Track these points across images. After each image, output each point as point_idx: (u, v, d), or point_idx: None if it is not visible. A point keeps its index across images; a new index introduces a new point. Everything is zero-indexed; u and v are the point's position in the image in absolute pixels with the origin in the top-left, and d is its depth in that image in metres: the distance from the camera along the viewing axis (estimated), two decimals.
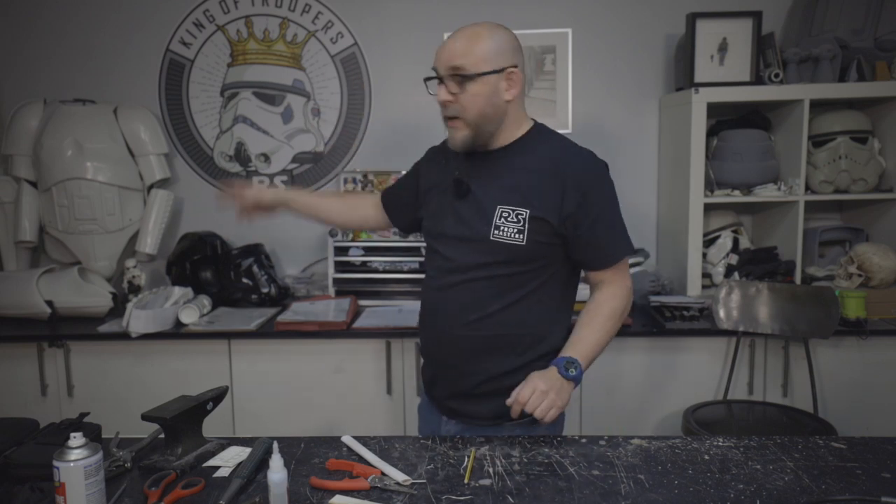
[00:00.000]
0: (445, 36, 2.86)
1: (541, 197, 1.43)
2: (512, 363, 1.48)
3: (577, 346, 1.47)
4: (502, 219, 1.44)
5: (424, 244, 1.66)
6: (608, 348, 2.40)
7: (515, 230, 1.43)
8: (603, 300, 1.52)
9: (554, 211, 1.43)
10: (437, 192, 1.56)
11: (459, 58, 1.40)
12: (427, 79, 1.49)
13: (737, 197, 2.69)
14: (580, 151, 1.50)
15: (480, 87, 1.41)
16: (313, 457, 1.35)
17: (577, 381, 1.43)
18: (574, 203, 1.43)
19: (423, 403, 1.68)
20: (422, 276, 1.66)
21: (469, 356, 1.50)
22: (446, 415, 1.57)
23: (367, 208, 1.78)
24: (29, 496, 1.18)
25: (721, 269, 2.76)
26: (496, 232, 1.44)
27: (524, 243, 1.43)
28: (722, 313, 2.41)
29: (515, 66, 1.44)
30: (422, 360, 1.71)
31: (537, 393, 1.37)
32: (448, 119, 1.46)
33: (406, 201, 1.68)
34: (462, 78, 1.40)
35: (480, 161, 1.49)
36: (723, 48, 2.62)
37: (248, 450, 1.36)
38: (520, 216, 1.43)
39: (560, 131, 2.97)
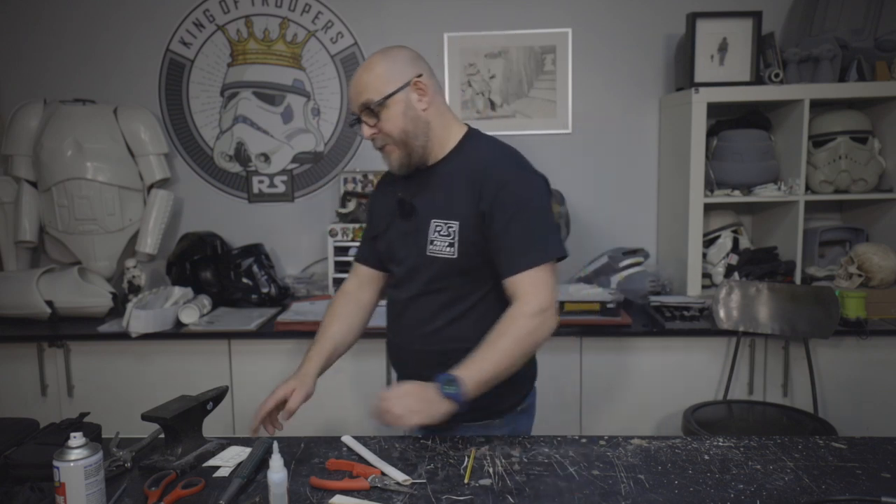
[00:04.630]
0: (446, 36, 2.92)
1: (465, 206, 1.44)
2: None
3: (471, 366, 1.35)
4: (436, 233, 1.46)
5: None
6: (608, 348, 2.43)
7: (447, 244, 1.45)
8: (514, 317, 1.39)
9: (477, 217, 1.43)
10: (386, 216, 1.58)
11: (363, 93, 1.44)
12: (351, 124, 1.54)
13: (737, 197, 2.69)
14: (504, 155, 1.49)
15: (393, 109, 1.44)
16: (313, 457, 1.35)
17: (454, 399, 1.31)
18: (488, 202, 1.42)
19: None
20: None
21: (424, 369, 1.46)
22: None
23: (362, 294, 1.69)
24: (29, 496, 1.18)
25: (721, 269, 2.76)
26: (431, 247, 1.46)
27: (455, 256, 1.44)
28: (722, 313, 2.41)
29: (420, 76, 1.46)
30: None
31: (400, 393, 1.34)
32: (380, 149, 1.50)
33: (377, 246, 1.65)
34: (374, 106, 1.43)
35: (420, 178, 1.52)
36: (723, 48, 2.62)
37: (248, 450, 1.36)
38: (450, 229, 1.45)
39: (560, 131, 3.02)
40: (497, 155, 1.49)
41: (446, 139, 1.51)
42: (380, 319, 2.49)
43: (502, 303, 1.44)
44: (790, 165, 2.68)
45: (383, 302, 1.69)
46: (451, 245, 1.45)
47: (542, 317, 1.39)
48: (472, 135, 1.54)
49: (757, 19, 2.59)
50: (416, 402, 1.31)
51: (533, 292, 1.40)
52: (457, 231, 1.44)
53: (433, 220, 1.46)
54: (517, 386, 1.55)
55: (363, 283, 1.69)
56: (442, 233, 1.46)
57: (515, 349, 1.38)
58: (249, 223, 3.06)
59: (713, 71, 2.62)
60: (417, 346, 1.54)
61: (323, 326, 1.63)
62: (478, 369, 1.35)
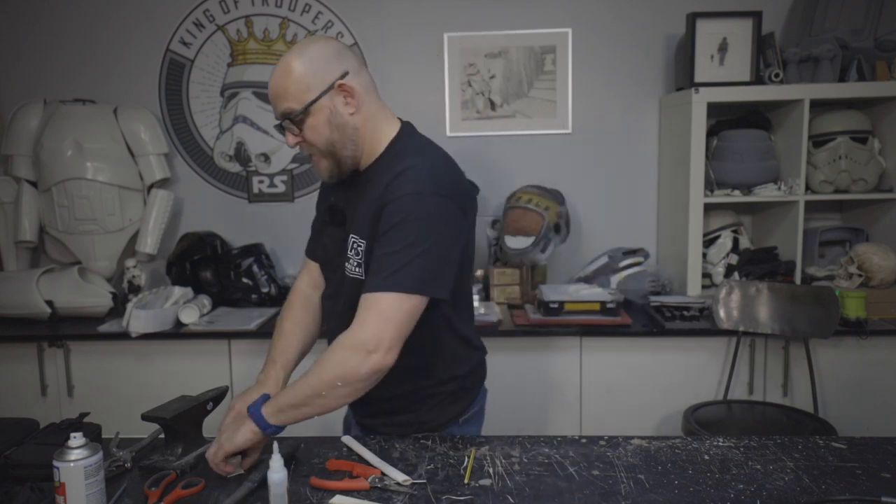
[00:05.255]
0: (445, 36, 2.92)
1: (372, 224, 1.30)
2: (402, 389, 1.42)
3: (282, 392, 1.31)
4: (352, 251, 1.35)
5: None
6: (608, 348, 2.43)
7: (356, 263, 1.34)
8: (334, 344, 1.27)
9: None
10: (321, 217, 1.52)
11: (282, 100, 1.29)
12: (277, 128, 1.36)
13: (737, 197, 2.69)
14: (417, 166, 1.29)
15: (316, 118, 1.29)
16: (313, 457, 1.35)
17: (254, 418, 1.25)
18: (376, 215, 1.29)
19: (349, 414, 1.63)
20: None
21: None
22: (360, 425, 1.55)
23: (315, 295, 1.56)
24: (29, 496, 1.18)
25: (721, 269, 2.76)
26: (347, 265, 1.36)
27: (363, 277, 1.32)
28: (722, 313, 2.41)
29: (345, 74, 1.30)
30: None
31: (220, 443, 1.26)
32: (310, 156, 1.37)
33: None
34: (296, 116, 1.29)
35: (353, 183, 1.39)
36: (723, 48, 2.62)
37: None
38: (359, 248, 1.33)
39: (560, 131, 3.02)
40: (410, 164, 1.29)
41: (377, 142, 1.36)
42: None
43: (433, 320, 1.35)
44: (790, 165, 2.68)
45: None
46: (359, 265, 1.34)
47: (359, 353, 1.22)
48: (400, 137, 1.38)
49: (757, 19, 2.59)
50: (225, 438, 1.26)
51: (363, 321, 1.24)
52: (364, 251, 1.32)
53: (352, 235, 1.35)
54: (457, 399, 1.48)
55: (316, 282, 1.55)
56: (353, 251, 1.35)
57: (319, 382, 1.24)
58: (249, 223, 3.06)
59: (713, 71, 2.62)
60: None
61: (283, 335, 1.51)
62: (284, 394, 1.28)
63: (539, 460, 1.31)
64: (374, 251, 1.28)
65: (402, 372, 1.31)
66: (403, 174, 1.28)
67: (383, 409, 1.48)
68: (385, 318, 1.24)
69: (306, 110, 1.28)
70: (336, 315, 1.42)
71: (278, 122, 1.33)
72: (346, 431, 1.60)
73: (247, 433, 1.26)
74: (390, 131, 1.38)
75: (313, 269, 1.56)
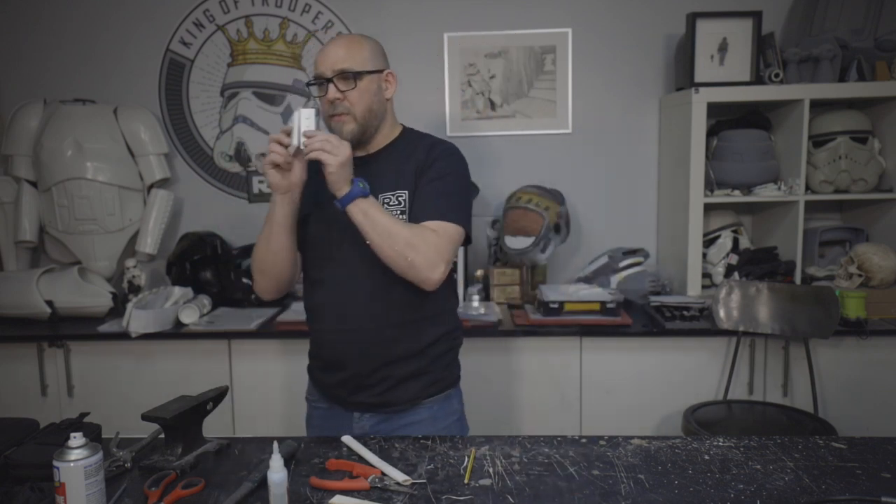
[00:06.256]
0: (446, 36, 2.92)
1: (412, 176, 1.53)
2: (415, 346, 1.55)
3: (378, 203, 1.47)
4: (385, 205, 1.50)
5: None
6: (608, 348, 2.43)
7: (398, 212, 1.51)
8: (432, 233, 1.46)
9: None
10: (321, 210, 1.55)
11: (345, 60, 1.50)
12: (309, 83, 1.57)
13: (737, 197, 2.69)
14: (445, 142, 1.59)
15: (367, 84, 1.51)
16: (313, 457, 1.35)
17: (354, 188, 1.40)
18: (422, 167, 1.52)
19: (320, 412, 1.65)
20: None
21: (374, 347, 1.53)
22: (358, 410, 1.58)
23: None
24: (29, 496, 1.18)
25: (721, 269, 2.76)
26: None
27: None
28: (722, 313, 2.41)
29: (391, 71, 1.58)
30: (308, 365, 1.69)
31: (324, 137, 1.39)
32: (334, 116, 1.52)
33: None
34: (352, 75, 1.49)
35: (357, 165, 1.50)
36: (723, 48, 2.62)
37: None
38: (400, 198, 1.52)
39: (560, 131, 3.02)
40: (439, 139, 1.60)
41: (391, 131, 1.60)
42: None
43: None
44: (790, 165, 2.68)
45: None
46: (402, 213, 1.51)
47: (440, 257, 1.43)
48: (410, 131, 1.64)
49: (757, 19, 2.59)
50: (337, 151, 1.37)
51: (438, 229, 1.46)
52: (407, 199, 1.52)
53: (381, 195, 1.51)
54: (455, 359, 1.67)
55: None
56: (391, 203, 1.51)
57: (405, 234, 1.41)
58: (249, 223, 3.05)
59: (713, 71, 2.62)
60: (367, 324, 1.53)
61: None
62: (379, 205, 1.44)
63: (539, 460, 1.32)
64: (426, 194, 1.50)
65: (427, 322, 1.56)
66: (441, 143, 1.58)
67: (401, 370, 1.55)
68: (454, 242, 1.49)
69: (361, 75, 1.50)
70: (349, 278, 1.53)
71: (319, 81, 1.51)
72: (335, 430, 1.60)
73: (345, 185, 1.39)
74: (399, 127, 1.64)
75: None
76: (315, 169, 1.50)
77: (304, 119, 1.41)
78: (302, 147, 1.40)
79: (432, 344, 1.58)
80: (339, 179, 1.39)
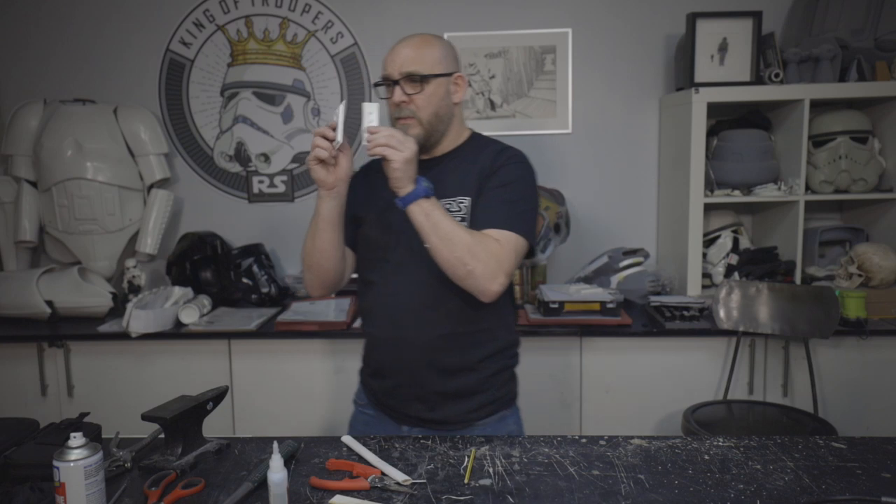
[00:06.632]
0: (445, 36, 2.91)
1: (475, 182, 1.48)
2: (467, 360, 1.50)
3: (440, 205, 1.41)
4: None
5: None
6: (608, 348, 2.43)
7: (458, 219, 1.45)
8: (493, 241, 1.41)
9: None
10: (378, 210, 1.52)
11: (414, 62, 1.46)
12: (377, 84, 1.54)
13: (737, 197, 2.69)
14: (512, 149, 1.55)
15: (435, 88, 1.47)
16: (313, 457, 1.35)
17: (418, 187, 1.35)
18: (486, 173, 1.48)
19: (366, 418, 1.63)
20: (355, 275, 1.64)
21: (423, 357, 1.49)
22: (407, 424, 1.55)
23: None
24: (29, 496, 1.18)
25: (721, 269, 2.76)
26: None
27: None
28: (722, 313, 2.41)
29: (460, 74, 1.53)
30: (361, 370, 1.66)
31: (389, 133, 1.35)
32: (399, 119, 1.49)
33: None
34: (420, 78, 1.45)
35: (421, 169, 1.44)
36: (723, 48, 2.62)
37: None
38: (461, 204, 1.47)
39: (560, 131, 3.02)
40: (507, 145, 1.56)
41: (457, 136, 1.56)
42: None
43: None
44: (790, 165, 2.68)
45: None
46: (462, 220, 1.46)
47: (500, 268, 1.38)
48: (478, 136, 1.60)
49: (757, 19, 2.59)
50: (400, 147, 1.33)
51: (500, 239, 1.41)
52: (468, 206, 1.47)
53: (442, 200, 1.44)
54: (513, 376, 1.62)
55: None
56: (452, 209, 1.46)
57: (467, 239, 1.36)
58: (249, 223, 3.06)
59: (713, 71, 2.62)
60: (423, 334, 1.48)
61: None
62: (442, 208, 1.38)
63: (539, 460, 1.32)
64: (489, 201, 1.45)
65: (483, 335, 1.51)
66: (508, 149, 1.53)
67: (455, 385, 1.50)
68: (516, 253, 1.43)
69: (429, 78, 1.46)
70: (408, 283, 1.49)
71: (387, 82, 1.48)
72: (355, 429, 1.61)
73: (410, 183, 1.34)
74: (466, 132, 1.59)
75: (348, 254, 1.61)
76: (375, 167, 1.49)
77: (368, 114, 1.38)
78: (365, 143, 1.36)
79: (486, 360, 1.52)
80: (403, 177, 1.34)
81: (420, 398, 1.52)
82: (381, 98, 1.53)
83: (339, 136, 1.39)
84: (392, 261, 1.51)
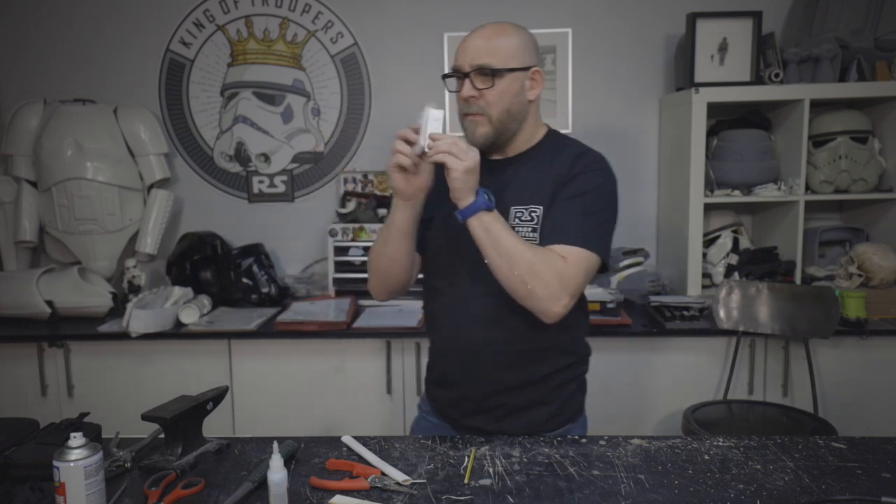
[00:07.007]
0: (446, 36, 2.91)
1: (550, 190, 1.39)
2: (534, 376, 1.45)
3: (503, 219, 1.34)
4: (516, 219, 1.39)
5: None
6: (608, 348, 2.42)
7: (529, 229, 1.37)
8: (552, 250, 1.34)
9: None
10: (447, 214, 1.38)
11: (486, 55, 1.36)
12: (446, 76, 1.44)
13: (737, 197, 2.69)
14: (593, 152, 1.45)
15: (508, 84, 1.37)
16: (313, 457, 1.35)
17: (479, 199, 1.28)
18: (562, 180, 1.39)
19: (429, 425, 1.59)
20: (420, 275, 1.57)
21: (487, 371, 1.44)
22: (469, 434, 1.50)
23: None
24: (29, 496, 1.18)
25: (721, 269, 2.75)
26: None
27: (538, 242, 1.36)
28: (722, 313, 2.41)
29: (539, 67, 1.42)
30: (425, 374, 1.62)
31: (452, 141, 1.28)
32: (466, 115, 1.40)
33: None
34: (491, 72, 1.36)
35: (494, 168, 1.42)
36: (723, 48, 2.62)
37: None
38: (533, 213, 1.38)
39: (560, 131, 3.01)
40: (587, 149, 1.46)
41: (532, 135, 1.46)
42: (380, 319, 2.51)
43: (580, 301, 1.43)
44: (790, 165, 2.68)
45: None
46: (534, 230, 1.37)
47: (563, 288, 1.29)
48: (554, 135, 1.50)
49: (757, 19, 2.59)
50: (462, 156, 1.25)
51: (569, 257, 1.31)
52: (540, 215, 1.38)
53: (513, 207, 1.39)
54: (583, 384, 1.55)
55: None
56: (524, 218, 1.38)
57: (529, 257, 1.28)
58: (249, 223, 3.06)
59: (713, 71, 2.62)
60: (489, 345, 1.43)
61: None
62: (504, 222, 1.31)
63: (539, 460, 1.31)
64: (562, 211, 1.36)
65: (553, 349, 1.44)
66: (588, 153, 1.43)
67: (521, 399, 1.45)
68: (585, 272, 1.33)
69: (502, 73, 1.35)
70: (474, 290, 1.42)
71: (456, 74, 1.39)
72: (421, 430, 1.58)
73: (470, 194, 1.28)
74: (543, 130, 1.49)
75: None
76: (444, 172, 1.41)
77: (432, 121, 1.29)
78: (427, 149, 1.29)
79: (553, 374, 1.46)
80: (463, 187, 1.27)
81: (482, 411, 1.47)
82: (451, 91, 1.42)
83: (423, 141, 1.29)
84: (458, 270, 1.44)
